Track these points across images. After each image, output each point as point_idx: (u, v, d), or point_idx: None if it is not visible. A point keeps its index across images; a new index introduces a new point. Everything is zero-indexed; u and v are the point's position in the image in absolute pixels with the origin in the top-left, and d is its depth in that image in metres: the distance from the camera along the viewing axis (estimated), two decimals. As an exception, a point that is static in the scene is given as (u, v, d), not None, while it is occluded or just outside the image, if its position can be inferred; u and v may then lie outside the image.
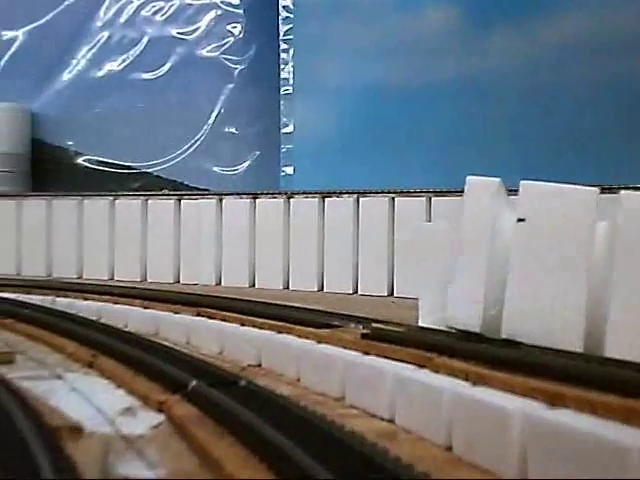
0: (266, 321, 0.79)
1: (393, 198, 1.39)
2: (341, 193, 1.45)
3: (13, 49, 1.98)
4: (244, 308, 0.87)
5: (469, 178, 0.60)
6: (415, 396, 0.52)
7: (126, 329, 0.96)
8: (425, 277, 0.72)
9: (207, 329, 0.85)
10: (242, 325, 0.82)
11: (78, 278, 1.63)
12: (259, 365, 0.74)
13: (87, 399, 0.59)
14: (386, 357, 0.60)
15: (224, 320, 0.86)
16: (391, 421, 0.55)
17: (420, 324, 0.72)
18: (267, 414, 0.49)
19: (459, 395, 0.48)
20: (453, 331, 0.61)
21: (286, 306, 0.88)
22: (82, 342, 0.79)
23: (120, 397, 0.60)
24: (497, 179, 0.60)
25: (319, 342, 0.70)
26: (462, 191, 1.34)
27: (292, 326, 0.76)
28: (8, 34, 1.98)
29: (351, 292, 1.42)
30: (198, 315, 0.91)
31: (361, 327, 0.72)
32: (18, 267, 1.69)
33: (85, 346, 0.77)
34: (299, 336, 0.73)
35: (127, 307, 1.02)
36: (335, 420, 0.49)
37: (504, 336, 0.57)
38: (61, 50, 1.94)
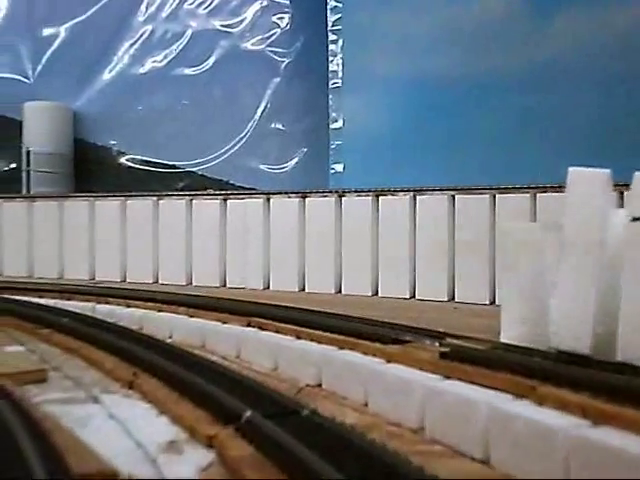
0: (325, 334, 0.71)
1: (453, 196, 1.30)
2: (396, 191, 1.35)
3: (54, 46, 1.94)
4: (299, 318, 0.78)
5: (572, 169, 0.51)
6: (518, 435, 0.42)
7: (170, 340, 0.89)
8: (509, 285, 0.63)
9: (259, 342, 0.76)
10: (298, 338, 0.74)
11: (121, 282, 1.57)
12: (319, 385, 0.66)
13: (125, 429, 0.51)
14: (472, 382, 0.51)
15: (277, 332, 0.77)
16: (485, 462, 0.45)
17: (503, 339, 0.63)
18: (336, 454, 0.40)
19: (580, 438, 0.38)
20: (553, 351, 0.52)
21: (347, 317, 0.79)
22: (122, 357, 0.71)
23: (163, 426, 0.52)
24: (606, 170, 0.50)
25: (389, 361, 0.61)
26: (528, 187, 1.25)
27: (356, 341, 0.67)
28: (49, 31, 1.94)
29: (408, 297, 1.33)
30: (248, 325, 0.83)
31: (436, 343, 0.62)
32: (60, 271, 1.64)
33: (125, 362, 0.70)
34: (365, 353, 0.64)
35: (171, 315, 0.95)
36: (415, 460, 0.40)
37: (619, 359, 0.47)
38: (103, 46, 1.89)
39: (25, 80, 1.99)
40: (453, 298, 1.29)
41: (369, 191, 1.38)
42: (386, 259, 1.35)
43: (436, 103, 1.59)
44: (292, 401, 0.55)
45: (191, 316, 0.93)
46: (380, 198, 1.36)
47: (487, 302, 1.25)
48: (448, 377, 0.53)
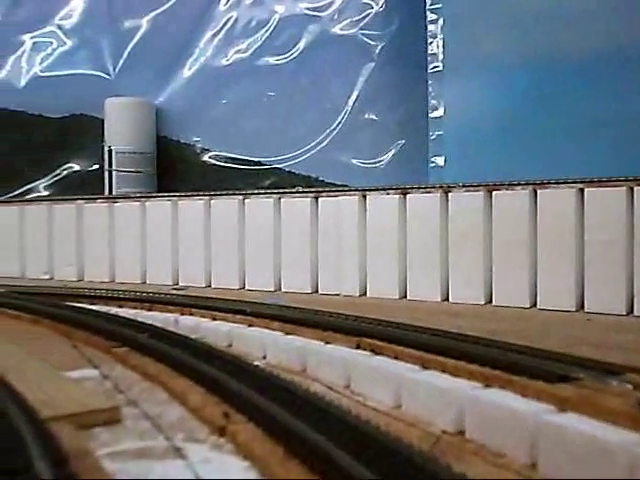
0: (463, 364, 0.56)
1: (582, 189, 1.12)
2: (512, 184, 1.18)
3: (135, 40, 1.85)
4: (424, 342, 0.64)
5: None
6: None
7: (264, 361, 0.76)
8: None
9: (374, 370, 0.62)
10: (424, 367, 0.59)
11: (206, 287, 1.46)
12: (461, 433, 0.51)
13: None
14: None
15: (397, 358, 0.63)
16: None
17: None
18: None
19: None
20: None
21: (490, 342, 0.63)
22: (211, 388, 0.58)
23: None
24: None
25: (562, 409, 0.45)
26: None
27: (507, 376, 0.51)
28: (129, 24, 1.86)
29: (528, 306, 1.15)
30: (358, 347, 0.69)
31: (625, 384, 0.46)
32: (142, 275, 1.55)
33: (215, 395, 0.57)
34: (523, 395, 0.49)
35: (264, 331, 0.82)
36: None
37: None
38: (184, 38, 1.79)
39: (106, 76, 1.92)
40: (582, 307, 1.11)
41: (479, 185, 1.22)
42: (501, 263, 1.18)
43: (551, 87, 1.41)
44: (431, 460, 0.40)
45: (287, 333, 0.80)
46: (494, 193, 1.19)
47: (624, 312, 1.07)
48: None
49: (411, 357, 0.62)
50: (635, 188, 1.08)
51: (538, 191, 1.16)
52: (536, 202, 1.15)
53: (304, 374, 0.70)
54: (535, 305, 1.15)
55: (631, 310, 1.07)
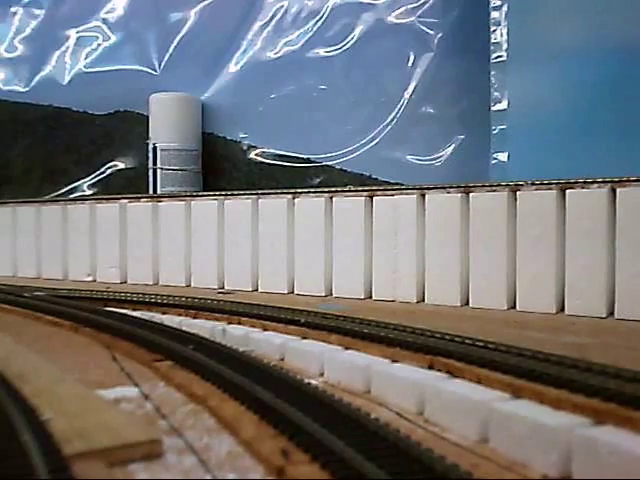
0: (559, 392, 0.47)
1: (667, 187, 1.01)
2: (588, 182, 1.08)
3: (181, 34, 1.79)
4: (511, 363, 0.54)
5: None
6: None
7: (322, 379, 0.68)
8: None
9: (451, 396, 0.53)
10: (515, 396, 0.50)
11: (253, 291, 1.39)
12: (567, 479, 0.42)
13: None
14: None
15: (479, 382, 0.54)
16: None
17: None
18: None
19: None
20: None
21: (593, 365, 0.53)
22: (265, 415, 0.50)
23: None
24: None
25: None
26: None
27: (623, 410, 0.42)
28: (175, 17, 1.79)
29: (604, 315, 1.05)
30: (431, 368, 0.60)
31: None
32: (188, 278, 1.48)
33: (270, 425, 0.49)
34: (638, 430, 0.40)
35: (321, 345, 0.74)
36: None
37: None
38: (232, 30, 1.72)
39: (151, 71, 1.86)
40: (668, 317, 1.01)
41: (551, 183, 1.11)
42: (576, 267, 1.07)
43: (625, 75, 1.29)
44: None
45: (346, 347, 0.71)
46: (567, 192, 1.09)
47: None
48: None
49: (496, 381, 0.53)
50: None
51: (617, 189, 1.05)
52: (615, 201, 1.05)
53: (368, 396, 0.62)
54: (612, 314, 1.05)
55: None
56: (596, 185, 1.07)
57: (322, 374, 0.69)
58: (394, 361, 0.64)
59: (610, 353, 0.76)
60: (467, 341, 0.64)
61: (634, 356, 0.76)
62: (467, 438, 0.50)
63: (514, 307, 1.14)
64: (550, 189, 1.11)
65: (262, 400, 0.52)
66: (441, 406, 0.53)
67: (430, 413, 0.55)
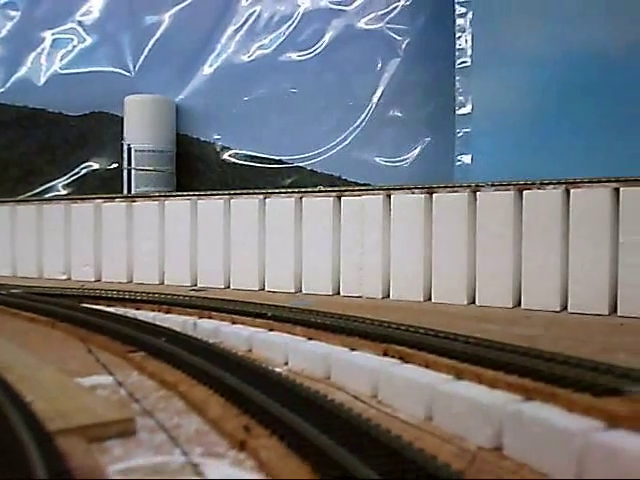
0: (499, 374, 0.52)
1: (617, 188, 1.07)
2: (544, 183, 1.14)
3: (156, 36, 1.83)
4: (458, 349, 0.60)
5: None
6: None
7: (286, 367, 0.72)
8: None
9: (403, 380, 0.58)
10: (458, 378, 0.55)
11: (225, 288, 1.43)
12: (498, 450, 0.47)
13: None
14: None
15: (427, 367, 0.59)
16: None
17: None
18: None
19: None
20: None
21: (528, 350, 0.59)
22: (230, 398, 0.55)
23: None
24: None
25: (612, 425, 0.42)
26: None
27: (550, 388, 0.47)
28: (150, 20, 1.83)
29: (559, 310, 1.11)
30: (385, 354, 0.65)
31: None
32: (161, 276, 1.52)
33: (235, 406, 0.53)
34: (569, 408, 0.45)
35: (286, 336, 0.78)
36: None
37: None
38: (206, 34, 1.76)
39: (126, 73, 1.90)
40: (615, 311, 1.07)
41: (510, 184, 1.17)
42: (533, 267, 1.13)
43: (584, 81, 1.36)
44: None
45: (310, 338, 0.76)
46: (524, 193, 1.15)
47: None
48: None
49: (443, 366, 0.58)
50: (674, 187, 1.03)
51: (571, 190, 1.11)
52: (569, 201, 1.11)
53: (328, 382, 0.66)
54: (566, 308, 1.11)
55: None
56: (551, 186, 1.13)
57: (286, 363, 0.74)
58: (352, 349, 0.69)
59: (557, 343, 0.82)
60: (420, 331, 0.69)
61: (578, 345, 0.82)
62: (415, 417, 0.55)
63: (474, 302, 1.19)
64: (508, 190, 1.17)
65: (228, 384, 0.57)
66: (392, 389, 0.58)
67: (383, 395, 0.60)
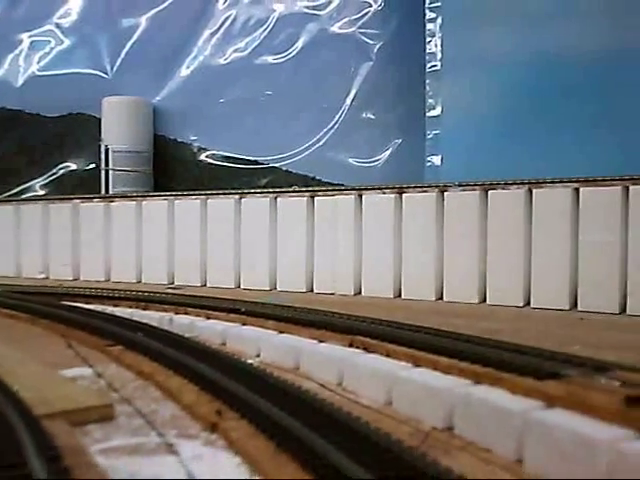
0: (453, 362, 0.56)
1: (577, 189, 1.12)
2: (508, 184, 1.19)
3: (133, 39, 1.85)
4: (416, 340, 0.64)
5: None
6: None
7: (258, 359, 0.76)
8: None
9: (365, 368, 0.62)
10: (416, 365, 0.60)
11: (202, 286, 1.47)
12: (449, 429, 0.51)
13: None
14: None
15: (388, 355, 0.63)
16: None
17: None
18: None
19: None
20: None
21: (482, 340, 0.63)
22: (203, 386, 0.59)
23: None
24: None
25: (550, 405, 0.46)
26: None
27: (497, 373, 0.52)
28: (128, 23, 1.85)
29: (522, 305, 1.16)
30: (351, 345, 0.69)
31: (613, 380, 0.47)
32: (139, 274, 1.55)
33: (208, 393, 0.57)
34: (512, 391, 0.49)
35: (258, 330, 0.82)
36: None
37: None
38: (182, 37, 1.80)
39: (103, 75, 1.92)
40: (575, 306, 1.12)
41: (476, 185, 1.22)
42: (497, 264, 1.18)
43: (551, 84, 1.41)
44: (421, 456, 0.41)
45: (281, 332, 0.80)
46: (489, 192, 1.20)
47: (617, 311, 1.07)
48: (648, 437, 0.38)
49: (402, 355, 0.62)
50: (630, 187, 1.09)
51: (534, 190, 1.16)
52: (531, 201, 1.16)
53: (297, 372, 0.70)
54: (529, 304, 1.16)
55: (624, 309, 1.08)
56: (515, 186, 1.18)
57: (258, 355, 0.77)
58: (320, 341, 0.73)
59: (517, 335, 0.87)
60: (384, 323, 0.73)
61: (537, 337, 0.87)
62: (376, 402, 0.59)
63: (441, 298, 1.24)
64: (474, 190, 1.22)
65: (202, 374, 0.61)
66: (356, 377, 0.63)
67: (347, 383, 0.64)
